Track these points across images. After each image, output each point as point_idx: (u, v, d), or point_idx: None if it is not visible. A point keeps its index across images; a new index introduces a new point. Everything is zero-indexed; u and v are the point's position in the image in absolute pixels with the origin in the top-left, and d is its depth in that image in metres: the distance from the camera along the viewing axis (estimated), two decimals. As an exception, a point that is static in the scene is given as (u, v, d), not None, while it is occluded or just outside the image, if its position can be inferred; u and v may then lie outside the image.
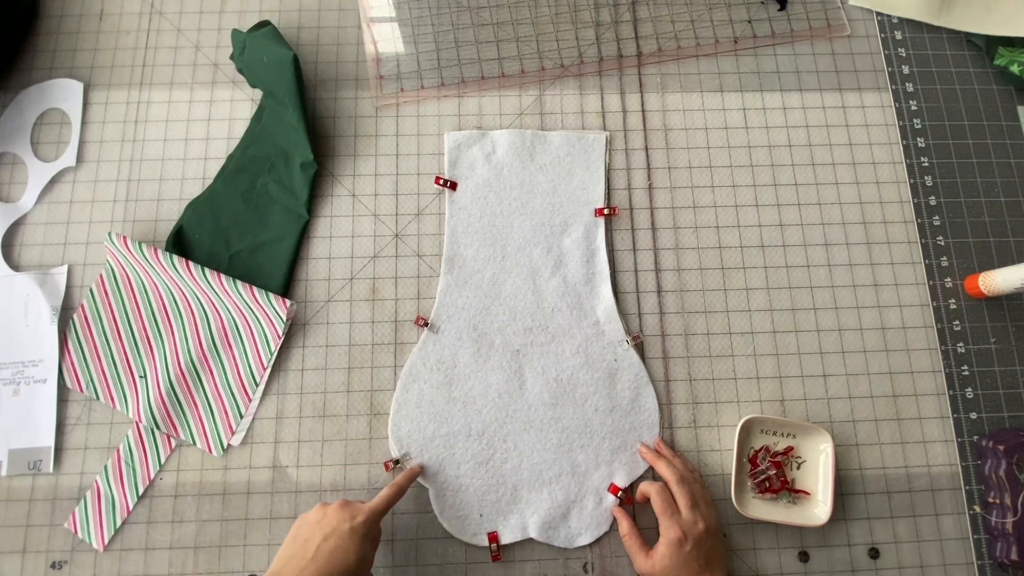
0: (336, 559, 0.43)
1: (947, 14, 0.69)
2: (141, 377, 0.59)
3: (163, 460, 0.57)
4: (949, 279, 0.63)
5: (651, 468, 0.57)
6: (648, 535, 0.53)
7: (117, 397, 0.58)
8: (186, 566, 0.55)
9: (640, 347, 0.60)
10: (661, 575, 0.50)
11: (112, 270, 0.61)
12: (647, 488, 0.53)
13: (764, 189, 0.65)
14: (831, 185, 0.65)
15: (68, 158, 0.64)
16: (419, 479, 0.57)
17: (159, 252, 0.58)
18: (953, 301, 0.62)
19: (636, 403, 0.59)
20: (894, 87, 0.68)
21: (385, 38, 0.68)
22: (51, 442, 0.57)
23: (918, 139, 0.66)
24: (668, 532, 0.50)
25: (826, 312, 0.62)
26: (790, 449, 0.57)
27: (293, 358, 0.60)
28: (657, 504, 0.52)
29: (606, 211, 0.63)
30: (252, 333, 0.59)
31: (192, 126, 0.66)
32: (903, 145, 0.66)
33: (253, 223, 0.63)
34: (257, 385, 0.59)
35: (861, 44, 0.69)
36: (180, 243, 0.62)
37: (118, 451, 0.57)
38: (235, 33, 0.64)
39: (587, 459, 0.57)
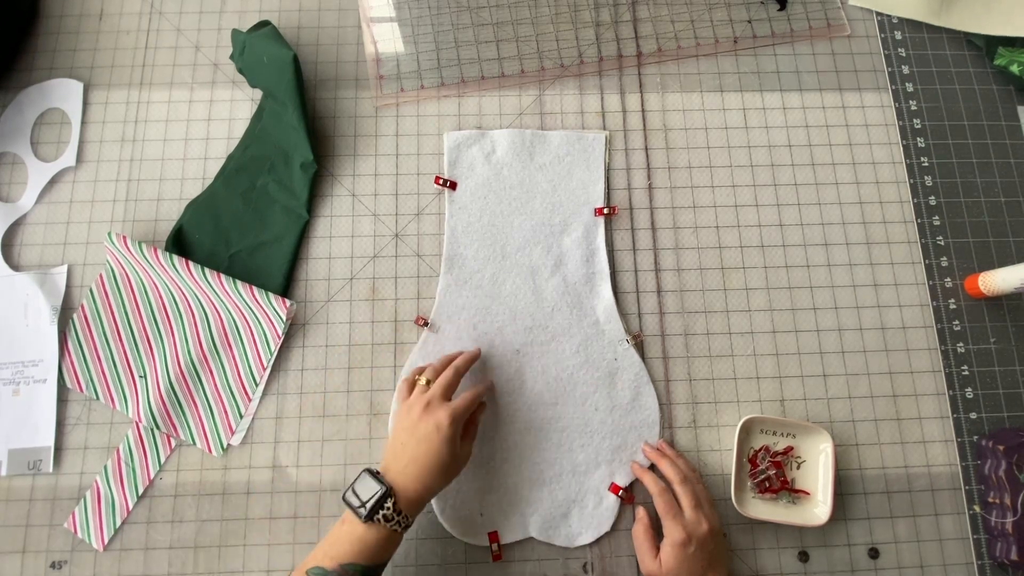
0: (431, 461, 0.49)
1: (947, 14, 0.69)
2: (141, 377, 0.59)
3: (163, 460, 0.57)
4: (949, 279, 0.63)
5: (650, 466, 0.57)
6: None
7: (117, 397, 0.58)
8: (186, 566, 0.55)
9: (640, 346, 0.60)
10: None
11: (112, 270, 0.61)
12: (644, 474, 0.54)
13: (764, 189, 0.65)
14: (831, 185, 0.65)
15: (68, 158, 0.64)
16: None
17: (159, 252, 0.58)
18: (953, 301, 0.62)
19: (636, 402, 0.59)
20: (894, 87, 0.68)
21: (385, 38, 0.68)
22: (51, 442, 0.57)
23: (918, 139, 0.66)
24: (672, 534, 0.50)
25: (826, 312, 0.62)
26: (790, 449, 0.57)
27: (293, 358, 0.60)
28: (660, 505, 0.52)
29: (606, 211, 0.63)
30: (252, 333, 0.59)
31: (192, 126, 0.66)
32: (903, 145, 0.66)
33: (253, 223, 0.63)
34: (257, 385, 0.59)
35: (861, 44, 0.69)
36: (180, 243, 0.62)
37: (118, 451, 0.57)
38: (235, 33, 0.64)
39: (587, 458, 0.57)
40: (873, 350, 0.61)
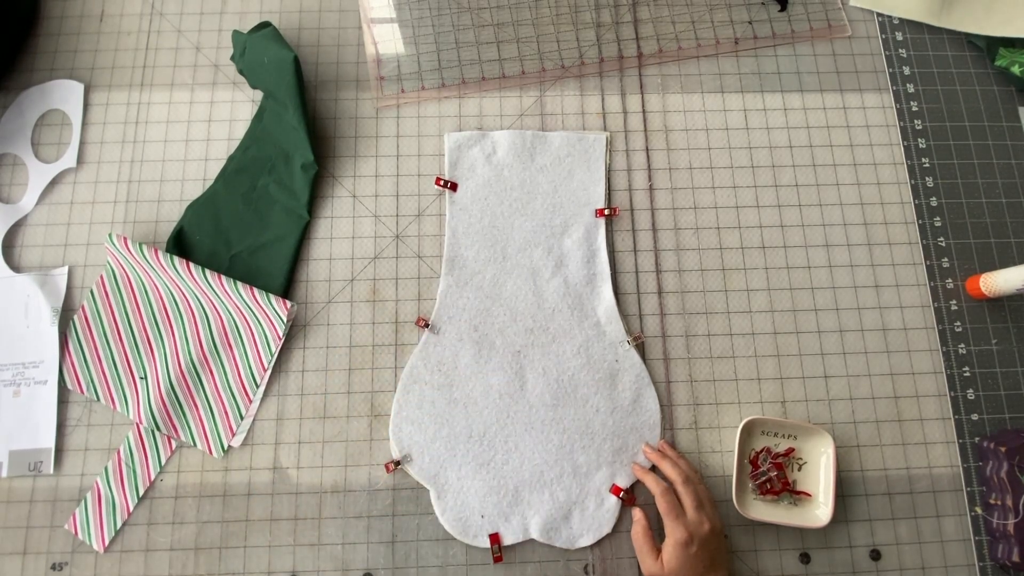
0: None
1: (948, 15, 0.69)
2: (141, 378, 0.59)
3: (163, 461, 0.57)
4: (950, 280, 0.63)
5: (652, 467, 0.57)
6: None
7: (117, 398, 0.58)
8: (186, 567, 0.55)
9: (641, 348, 0.60)
10: None
11: (112, 271, 0.61)
12: (646, 475, 0.54)
13: (765, 190, 0.65)
14: (832, 186, 0.65)
15: (69, 159, 0.64)
16: (420, 480, 0.57)
17: (159, 253, 0.58)
18: (954, 302, 0.62)
19: (637, 404, 0.59)
20: (895, 88, 0.68)
21: (385, 39, 0.68)
22: (51, 443, 0.57)
23: (919, 140, 0.66)
24: (674, 533, 0.50)
25: (827, 313, 0.62)
26: (791, 450, 0.57)
27: (293, 359, 0.60)
28: (662, 505, 0.52)
29: (606, 212, 0.63)
30: (252, 334, 0.59)
31: (193, 127, 0.65)
32: (904, 146, 0.66)
33: (254, 224, 0.62)
34: (257, 386, 0.59)
35: (862, 45, 0.69)
36: (181, 244, 0.61)
37: (118, 452, 0.57)
38: (236, 34, 0.64)
39: (588, 460, 0.57)
40: (874, 351, 0.61)
